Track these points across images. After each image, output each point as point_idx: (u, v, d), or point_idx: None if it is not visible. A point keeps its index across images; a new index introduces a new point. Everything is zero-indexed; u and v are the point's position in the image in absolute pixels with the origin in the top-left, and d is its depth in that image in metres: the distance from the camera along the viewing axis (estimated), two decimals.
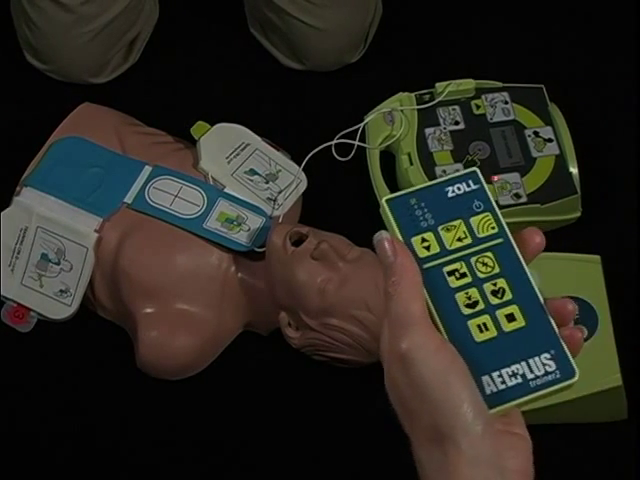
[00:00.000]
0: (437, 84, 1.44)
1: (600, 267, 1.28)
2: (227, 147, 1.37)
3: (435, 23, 1.61)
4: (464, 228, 0.68)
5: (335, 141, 1.42)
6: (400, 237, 0.67)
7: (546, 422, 1.24)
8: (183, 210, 1.30)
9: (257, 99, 1.53)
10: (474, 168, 0.70)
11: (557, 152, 1.40)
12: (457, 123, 1.43)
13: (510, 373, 0.65)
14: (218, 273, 1.29)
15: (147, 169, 1.33)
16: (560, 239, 1.38)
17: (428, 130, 1.43)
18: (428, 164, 1.40)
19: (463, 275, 0.67)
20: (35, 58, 1.51)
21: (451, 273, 0.67)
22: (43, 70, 1.52)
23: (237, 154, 1.36)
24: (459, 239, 0.68)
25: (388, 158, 1.45)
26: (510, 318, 0.66)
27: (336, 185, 1.44)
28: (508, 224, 1.37)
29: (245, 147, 1.37)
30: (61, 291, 1.29)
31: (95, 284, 1.30)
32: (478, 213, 0.68)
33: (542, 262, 1.30)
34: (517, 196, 1.37)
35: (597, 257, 1.29)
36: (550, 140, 1.41)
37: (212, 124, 1.38)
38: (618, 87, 1.55)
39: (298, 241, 1.24)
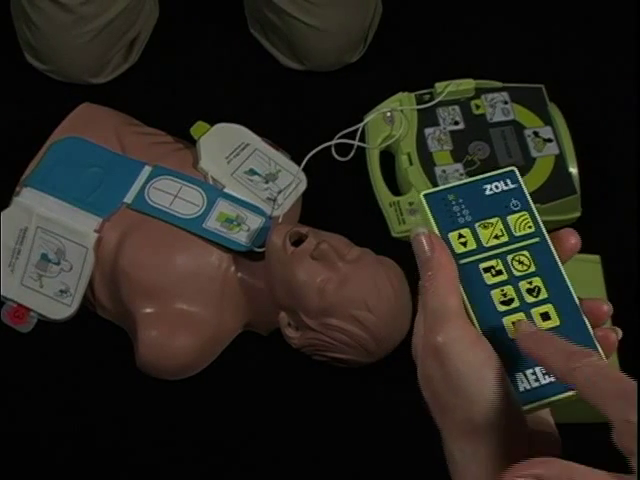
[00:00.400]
0: (437, 84, 1.45)
1: (600, 267, 1.28)
2: (227, 147, 1.37)
3: (435, 23, 1.61)
4: (501, 226, 0.68)
5: (335, 141, 1.43)
6: (437, 232, 0.68)
7: None
8: (183, 210, 1.30)
9: (257, 99, 1.53)
10: (512, 167, 0.71)
11: (557, 152, 1.40)
12: (457, 123, 1.43)
13: (543, 371, 0.65)
14: (218, 273, 1.29)
15: (147, 169, 1.33)
16: None
17: (428, 130, 1.43)
18: (428, 164, 1.40)
19: (499, 272, 0.67)
20: (35, 58, 1.51)
21: (487, 270, 0.67)
22: (43, 70, 1.52)
23: (237, 154, 1.37)
24: (496, 237, 0.68)
25: (388, 158, 1.45)
26: (545, 317, 0.66)
27: (336, 185, 1.44)
28: None
29: (245, 147, 1.37)
30: (61, 291, 1.29)
31: (95, 284, 1.30)
32: (515, 212, 0.69)
33: None
34: None
35: (597, 257, 1.29)
36: (550, 140, 1.41)
37: (212, 124, 1.38)
38: (618, 87, 1.55)
39: (298, 241, 1.24)
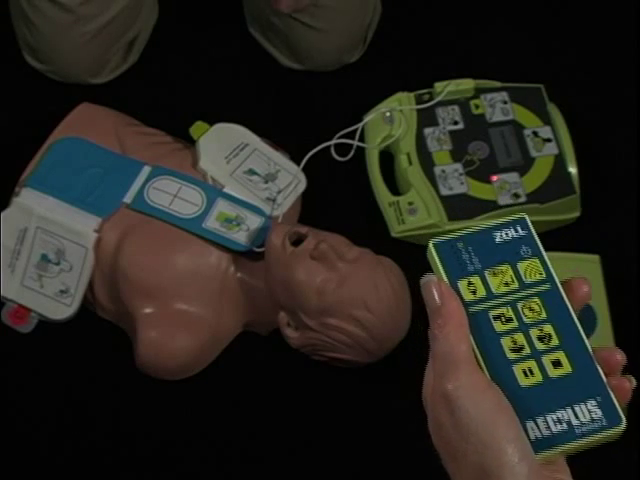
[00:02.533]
0: (436, 84, 1.45)
1: (599, 267, 1.29)
2: (226, 147, 1.37)
3: (434, 23, 1.61)
4: (511, 273, 0.68)
5: (334, 141, 1.42)
6: (446, 280, 0.68)
7: None
8: (182, 210, 1.30)
9: (257, 99, 1.53)
10: (523, 214, 0.70)
11: (556, 152, 1.40)
12: (456, 123, 1.43)
13: (555, 419, 0.65)
14: (217, 273, 1.29)
15: (146, 169, 1.33)
16: (559, 239, 1.38)
17: (427, 130, 1.43)
18: (427, 164, 1.40)
19: (509, 320, 0.67)
20: (34, 58, 1.51)
21: (497, 317, 0.67)
22: (42, 70, 1.52)
23: (236, 154, 1.37)
24: (506, 284, 0.68)
25: (387, 158, 1.45)
26: (556, 364, 0.66)
27: (335, 185, 1.44)
28: None
29: (244, 147, 1.37)
30: (61, 291, 1.29)
31: (95, 284, 1.30)
32: (526, 258, 0.69)
33: None
34: (516, 196, 1.37)
35: (596, 257, 1.29)
36: (549, 140, 1.41)
37: (212, 124, 1.38)
38: (618, 87, 1.55)
39: (297, 241, 1.24)
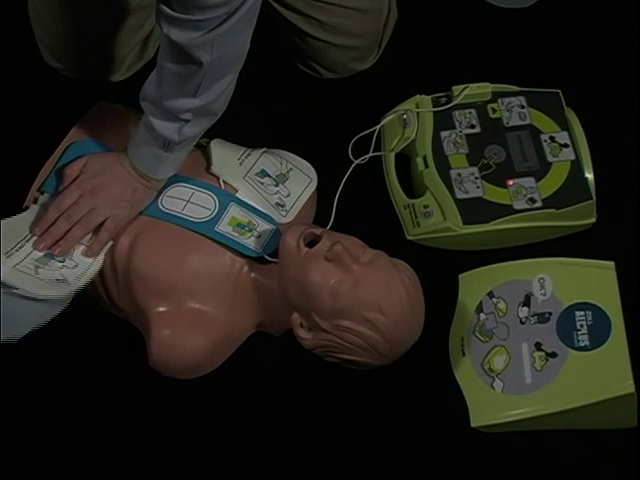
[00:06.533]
0: (454, 87, 1.44)
1: (614, 273, 1.28)
2: (239, 147, 1.36)
3: (451, 26, 1.61)
4: None
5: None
6: None
7: (558, 428, 1.24)
8: (195, 214, 1.30)
9: (275, 102, 1.53)
10: None
11: (573, 157, 1.40)
12: (473, 126, 1.43)
13: None
14: (231, 273, 1.29)
15: None
16: (574, 245, 1.37)
17: (444, 133, 1.43)
18: (443, 167, 1.40)
19: None
20: (52, 57, 1.52)
21: None
22: (59, 69, 1.52)
23: (249, 154, 1.36)
24: None
25: (404, 160, 1.45)
26: None
27: (351, 187, 1.44)
28: (522, 228, 1.37)
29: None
30: (57, 280, 1.25)
31: (109, 283, 1.30)
32: None
33: (556, 268, 1.30)
34: (532, 201, 1.36)
35: (611, 263, 1.29)
36: (566, 145, 1.41)
37: (228, 126, 1.35)
38: (635, 94, 1.54)
39: (312, 242, 1.24)
